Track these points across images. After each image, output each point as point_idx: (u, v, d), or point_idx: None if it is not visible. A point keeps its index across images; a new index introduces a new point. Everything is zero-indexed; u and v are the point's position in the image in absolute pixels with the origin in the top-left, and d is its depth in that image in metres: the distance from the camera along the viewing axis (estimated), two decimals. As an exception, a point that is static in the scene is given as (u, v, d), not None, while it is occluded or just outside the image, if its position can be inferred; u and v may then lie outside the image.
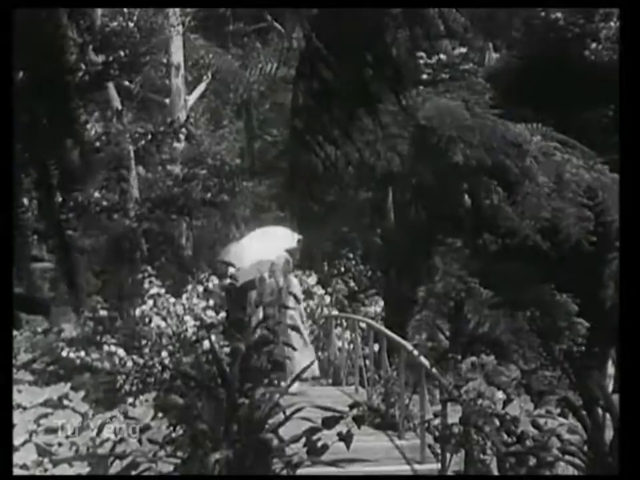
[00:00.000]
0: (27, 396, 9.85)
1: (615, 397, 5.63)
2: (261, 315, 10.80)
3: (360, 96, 5.08)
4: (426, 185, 5.86)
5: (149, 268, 15.26)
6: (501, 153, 5.44)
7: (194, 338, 11.00)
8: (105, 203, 16.87)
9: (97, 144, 16.09)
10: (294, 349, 8.83)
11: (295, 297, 12.93)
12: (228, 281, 12.26)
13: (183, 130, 19.00)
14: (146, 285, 14.21)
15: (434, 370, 8.16)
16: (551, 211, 5.21)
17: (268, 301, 12.24)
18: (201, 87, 21.74)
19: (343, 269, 19.24)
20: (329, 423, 5.72)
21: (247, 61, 21.75)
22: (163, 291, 14.11)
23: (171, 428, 5.98)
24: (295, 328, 10.68)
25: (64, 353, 12.62)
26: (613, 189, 5.37)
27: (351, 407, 6.14)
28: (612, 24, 13.79)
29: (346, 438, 5.72)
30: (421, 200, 6.09)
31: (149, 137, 18.25)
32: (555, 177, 5.49)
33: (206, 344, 7.18)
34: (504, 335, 5.11)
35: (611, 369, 6.65)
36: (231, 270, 12.65)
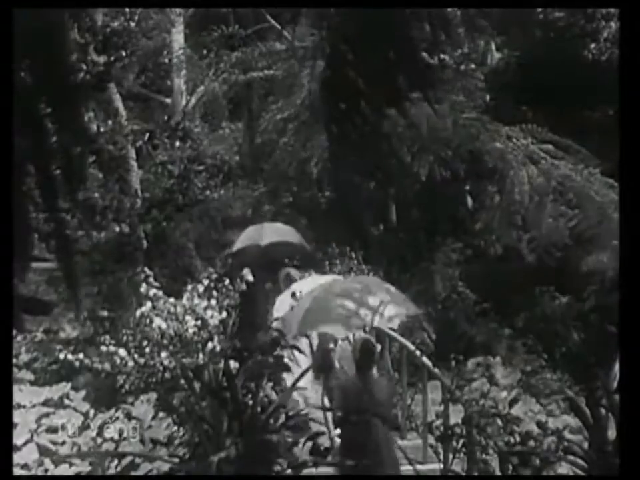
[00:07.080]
0: (28, 395, 9.85)
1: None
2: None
3: (387, 94, 5.00)
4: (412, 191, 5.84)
5: (146, 269, 15.15)
6: (480, 161, 5.41)
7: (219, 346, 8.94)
8: (101, 202, 16.82)
9: (97, 143, 16.06)
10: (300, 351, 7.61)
11: None
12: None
13: (180, 128, 18.95)
14: (145, 286, 14.10)
15: (436, 370, 8.17)
16: (525, 218, 5.17)
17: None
18: (202, 88, 21.71)
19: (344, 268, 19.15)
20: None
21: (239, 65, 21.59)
22: (161, 292, 13.99)
23: (174, 427, 5.98)
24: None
25: (62, 355, 12.56)
26: (594, 197, 5.33)
27: None
28: (612, 24, 13.79)
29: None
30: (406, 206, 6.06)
31: (147, 135, 18.18)
32: (540, 183, 5.45)
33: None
34: (484, 339, 5.09)
35: (617, 366, 6.63)
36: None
